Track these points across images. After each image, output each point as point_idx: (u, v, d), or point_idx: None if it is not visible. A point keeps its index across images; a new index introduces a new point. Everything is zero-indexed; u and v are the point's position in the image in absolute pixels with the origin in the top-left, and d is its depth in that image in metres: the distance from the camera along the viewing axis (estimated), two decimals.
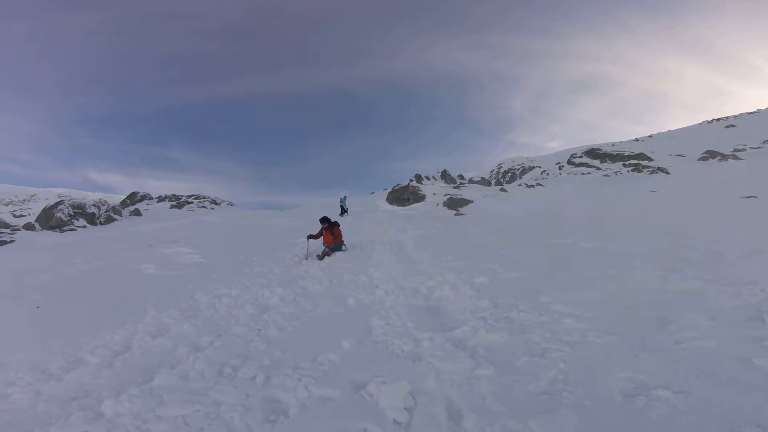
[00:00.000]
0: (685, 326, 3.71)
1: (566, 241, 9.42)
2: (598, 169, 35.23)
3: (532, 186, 29.79)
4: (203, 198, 39.90)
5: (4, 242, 18.81)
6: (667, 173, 28.62)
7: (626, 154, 35.81)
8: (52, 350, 3.94)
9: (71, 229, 23.69)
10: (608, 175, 31.59)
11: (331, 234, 10.09)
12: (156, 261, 9.34)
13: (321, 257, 9.43)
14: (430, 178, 37.99)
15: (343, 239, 10.33)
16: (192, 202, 37.84)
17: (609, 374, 2.99)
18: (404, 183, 30.02)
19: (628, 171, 31.20)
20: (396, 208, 25.44)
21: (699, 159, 32.24)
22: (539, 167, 49.68)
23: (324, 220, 10.39)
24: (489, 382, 3.03)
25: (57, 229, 23.28)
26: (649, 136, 53.65)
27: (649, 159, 33.25)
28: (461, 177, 42.26)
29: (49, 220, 23.93)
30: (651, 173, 29.27)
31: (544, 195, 23.87)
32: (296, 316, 5.13)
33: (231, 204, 41.67)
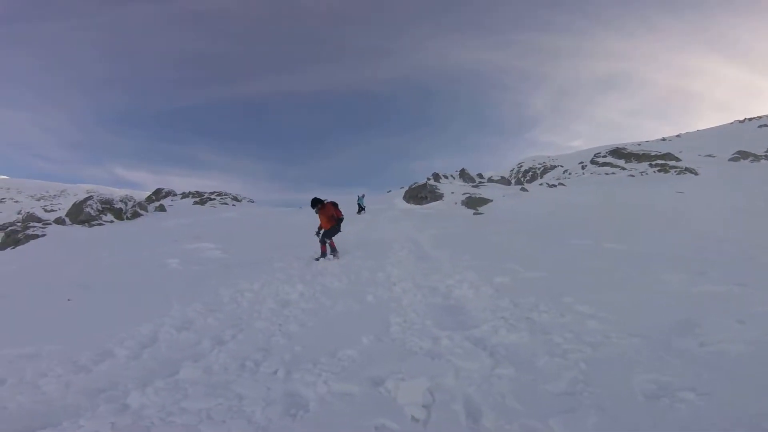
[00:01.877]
0: (712, 329, 3.61)
1: (589, 241, 9.22)
2: (623, 169, 34.29)
3: (554, 186, 29.24)
4: (225, 195, 40.71)
5: (36, 236, 19.64)
6: (696, 174, 27.64)
7: (653, 153, 34.75)
8: (82, 342, 4.06)
9: (99, 224, 24.56)
10: (633, 176, 30.72)
11: (327, 214, 8.87)
12: (180, 256, 9.60)
13: (333, 254, 8.81)
14: (449, 176, 37.75)
15: (342, 216, 9.11)
16: (214, 199, 38.66)
17: (631, 375, 2.94)
18: (422, 181, 29.92)
19: (654, 171, 30.30)
20: (413, 206, 25.40)
21: (730, 159, 31.01)
22: (561, 166, 48.69)
23: (317, 201, 9.01)
24: (509, 381, 3.01)
25: (86, 224, 24.17)
26: (677, 136, 51.89)
27: (677, 159, 32.18)
28: (480, 176, 41.82)
29: (79, 214, 24.87)
30: (678, 174, 28.34)
31: (567, 195, 23.40)
32: (316, 312, 5.19)
33: (251, 201, 42.38)
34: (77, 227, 23.48)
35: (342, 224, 9.17)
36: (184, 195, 40.16)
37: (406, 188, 29.72)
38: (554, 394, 2.82)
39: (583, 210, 17.22)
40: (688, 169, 28.46)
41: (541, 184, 34.61)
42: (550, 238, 10.63)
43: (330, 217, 8.82)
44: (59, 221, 24.46)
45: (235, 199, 40.49)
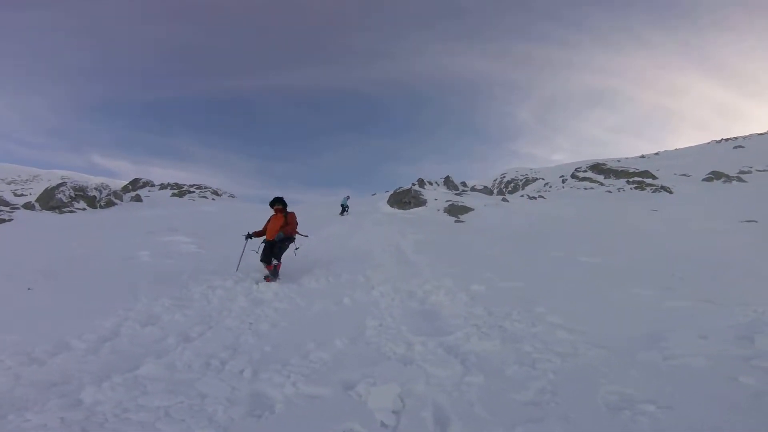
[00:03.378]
0: (676, 343, 3.72)
1: (565, 254, 9.40)
2: (602, 184, 35.18)
3: (534, 198, 29.80)
4: (205, 188, 39.91)
5: (2, 220, 18.81)
6: (670, 192, 28.59)
7: (631, 170, 35.76)
8: (39, 333, 3.86)
9: (71, 211, 23.70)
10: (611, 192, 31.57)
11: (284, 220, 7.00)
12: (153, 248, 9.31)
13: (271, 277, 6.61)
14: (433, 183, 37.99)
15: (297, 231, 7.35)
16: (194, 192, 37.85)
17: (597, 387, 2.99)
18: (406, 186, 30.02)
19: (631, 188, 31.17)
20: (397, 210, 25.45)
21: (703, 179, 32.20)
22: (542, 179, 49.67)
23: (277, 200, 7.15)
24: (478, 389, 3.01)
25: (56, 210, 23.30)
26: (656, 153, 53.64)
27: (654, 177, 33.21)
28: (464, 184, 42.24)
29: (50, 200, 23.95)
30: (654, 191, 29.24)
31: (546, 207, 23.87)
32: (290, 312, 5.10)
33: (232, 196, 41.67)
34: (47, 213, 22.60)
35: (324, 226, 8.66)
36: (163, 186, 39.18)
37: (391, 192, 29.77)
38: (522, 403, 2.83)
39: (561, 223, 17.59)
40: (663, 188, 29.40)
41: (522, 196, 35.22)
42: (528, 248, 10.79)
43: (294, 228, 7.24)
44: (28, 206, 23.50)
45: (216, 193, 39.76)
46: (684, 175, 35.85)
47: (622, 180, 34.14)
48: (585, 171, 39.57)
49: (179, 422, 2.57)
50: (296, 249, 7.56)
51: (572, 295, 5.79)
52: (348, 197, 23.60)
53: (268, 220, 7.23)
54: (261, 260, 6.84)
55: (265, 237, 7.05)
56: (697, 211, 19.80)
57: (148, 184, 39.21)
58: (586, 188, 35.22)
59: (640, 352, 3.61)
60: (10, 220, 19.14)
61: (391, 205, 27.13)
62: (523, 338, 4.05)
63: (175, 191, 37.29)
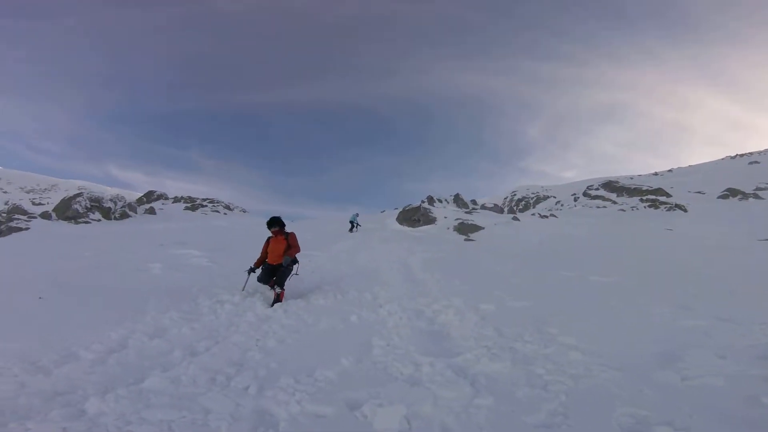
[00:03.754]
0: (693, 363, 3.60)
1: (577, 273, 9.22)
2: (614, 203, 34.78)
3: (546, 216, 29.51)
4: (217, 203, 40.47)
5: (19, 229, 19.26)
6: (685, 211, 28.09)
7: (644, 188, 35.35)
8: (47, 342, 3.88)
9: (86, 222, 24.16)
10: (624, 210, 31.15)
11: (286, 241, 6.67)
12: (164, 261, 9.39)
13: (275, 299, 6.28)
14: (443, 200, 37.95)
15: (298, 253, 6.81)
16: (206, 206, 38.39)
17: (611, 409, 2.90)
18: (416, 204, 30.02)
19: (645, 207, 30.73)
20: (406, 228, 25.40)
21: (719, 197, 31.63)
22: (554, 197, 49.31)
23: (275, 221, 6.71)
24: (487, 412, 2.93)
25: (72, 220, 23.77)
26: (670, 170, 52.97)
27: (668, 195, 32.75)
28: (474, 202, 42.10)
29: (66, 210, 24.48)
30: (668, 210, 28.77)
31: (557, 226, 23.57)
32: (297, 329, 5.05)
33: (244, 211, 42.13)
34: (63, 223, 23.07)
35: (333, 242, 8.10)
36: (176, 199, 39.85)
37: (400, 209, 29.76)
38: (532, 425, 2.75)
39: (573, 242, 17.32)
40: (677, 206, 28.91)
41: (533, 214, 34.93)
42: (539, 268, 10.62)
43: (298, 249, 6.83)
44: (45, 216, 24.02)
45: (227, 207, 40.26)
46: (699, 192, 35.27)
47: (635, 198, 33.73)
48: (597, 189, 39.23)
49: None
50: (295, 274, 6.91)
51: (585, 314, 5.65)
52: (357, 214, 23.70)
53: (266, 243, 6.83)
54: (259, 280, 6.57)
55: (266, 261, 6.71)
56: (713, 229, 19.39)
57: (162, 196, 39.93)
58: (598, 206, 34.84)
59: (656, 372, 3.50)
60: (27, 228, 19.59)
61: (400, 223, 27.09)
62: (534, 359, 3.94)
63: (188, 205, 37.88)
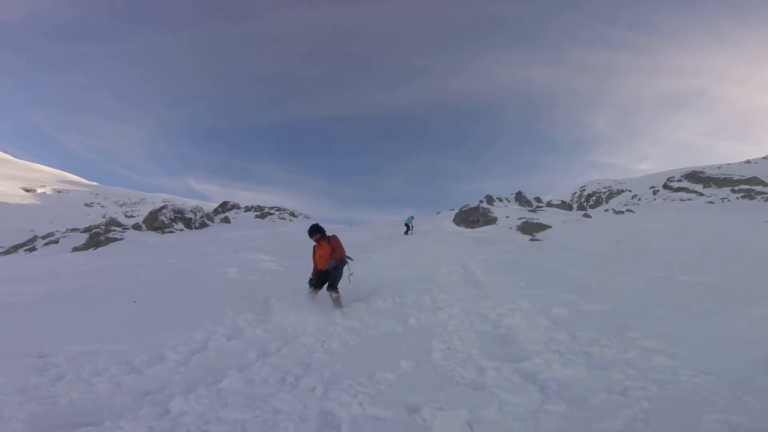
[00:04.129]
0: None
1: (661, 273, 8.35)
2: (701, 194, 31.16)
3: (621, 212, 27.19)
4: (283, 210, 42.78)
5: (116, 239, 21.76)
6: None
7: (735, 178, 31.24)
8: (140, 344, 4.30)
9: (171, 231, 26.74)
10: (713, 202, 27.74)
11: (329, 246, 6.69)
12: (239, 265, 10.10)
13: (333, 303, 6.48)
14: (503, 199, 36.59)
15: (346, 254, 6.91)
16: (273, 213, 40.75)
17: (700, 415, 2.61)
18: (473, 204, 29.21)
19: (738, 198, 27.16)
20: (464, 229, 24.77)
21: None
22: (629, 191, 45.23)
23: (314, 229, 6.82)
24: (558, 418, 2.75)
25: (159, 231, 26.42)
26: (764, 158, 46.30)
27: (764, 184, 28.64)
28: (538, 200, 40.06)
29: (154, 221, 27.29)
30: (767, 200, 25.12)
31: (636, 222, 21.55)
32: (358, 331, 5.15)
33: (307, 217, 44.07)
34: (151, 233, 25.71)
35: (389, 245, 8.24)
36: (247, 208, 42.76)
37: (457, 210, 29.14)
38: None
39: (656, 239, 15.72)
40: None
41: (606, 210, 32.35)
42: (617, 268, 9.77)
43: (342, 251, 6.83)
44: (136, 227, 26.96)
45: (292, 214, 42.35)
46: None
47: (725, 189, 29.95)
48: (680, 180, 35.43)
49: None
50: (350, 275, 6.96)
51: (671, 317, 5.07)
52: (412, 217, 23.62)
53: (314, 252, 6.86)
54: (309, 283, 6.68)
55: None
56: None
57: (235, 206, 43.08)
58: (682, 200, 31.42)
59: (757, 378, 3.07)
60: (121, 239, 22.10)
61: (457, 224, 26.47)
62: (612, 365, 3.62)
63: (258, 213, 40.43)
